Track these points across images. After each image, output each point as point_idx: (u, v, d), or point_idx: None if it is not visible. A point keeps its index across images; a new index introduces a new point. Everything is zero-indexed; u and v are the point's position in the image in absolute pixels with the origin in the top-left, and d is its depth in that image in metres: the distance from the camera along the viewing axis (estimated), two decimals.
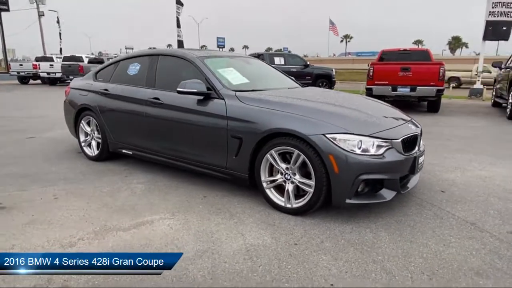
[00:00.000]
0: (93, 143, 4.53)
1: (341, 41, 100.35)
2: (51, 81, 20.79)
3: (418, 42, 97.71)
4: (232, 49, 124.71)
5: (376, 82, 9.81)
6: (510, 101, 8.60)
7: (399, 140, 2.82)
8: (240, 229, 2.69)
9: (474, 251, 2.37)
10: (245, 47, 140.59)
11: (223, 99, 3.27)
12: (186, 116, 3.46)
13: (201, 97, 3.37)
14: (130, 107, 3.95)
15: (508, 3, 13.14)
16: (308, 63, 15.31)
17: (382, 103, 3.78)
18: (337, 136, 2.67)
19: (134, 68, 4.13)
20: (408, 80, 9.53)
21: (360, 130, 2.73)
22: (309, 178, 2.81)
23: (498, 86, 11.17)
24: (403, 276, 2.09)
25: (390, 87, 9.62)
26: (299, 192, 2.95)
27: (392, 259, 2.27)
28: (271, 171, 3.06)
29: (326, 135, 2.67)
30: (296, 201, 2.89)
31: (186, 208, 3.09)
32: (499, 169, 4.28)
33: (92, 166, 4.33)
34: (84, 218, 2.88)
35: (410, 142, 2.97)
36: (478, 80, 14.19)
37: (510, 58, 11.03)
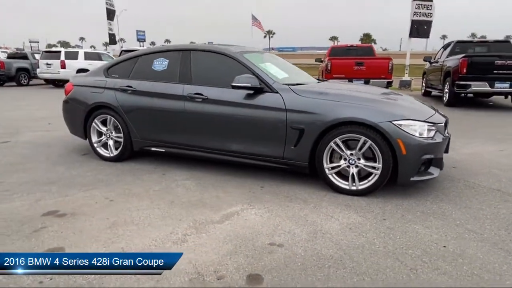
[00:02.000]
0: (110, 143, 4.30)
1: (265, 36, 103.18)
2: None
3: (333, 38, 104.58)
4: (153, 43, 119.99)
5: (333, 75, 10.58)
6: (446, 90, 9.97)
7: (443, 124, 3.30)
8: (324, 211, 2.93)
9: None
10: (167, 41, 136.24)
11: (277, 92, 3.43)
12: (237, 110, 3.54)
13: (251, 91, 3.49)
14: (164, 103, 3.87)
15: (428, 5, 15.04)
16: None
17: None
18: (402, 122, 3.04)
19: (160, 64, 4.03)
20: (362, 73, 10.48)
21: (416, 117, 3.15)
22: (371, 161, 3.15)
23: (428, 77, 12.81)
24: (488, 233, 2.54)
25: (347, 80, 10.46)
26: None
27: (468, 222, 2.72)
28: (331, 158, 3.33)
29: (393, 122, 3.03)
30: (361, 183, 3.21)
31: (256, 198, 3.21)
32: (477, 147, 5.10)
33: (116, 167, 4.13)
34: (166, 216, 2.85)
35: (444, 126, 3.47)
36: (406, 73, 16.01)
37: (438, 53, 12.70)
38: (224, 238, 2.48)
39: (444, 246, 2.37)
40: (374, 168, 3.14)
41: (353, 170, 3.21)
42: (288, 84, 3.53)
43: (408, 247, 2.36)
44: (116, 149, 4.29)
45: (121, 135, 4.19)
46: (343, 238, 2.48)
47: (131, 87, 4.06)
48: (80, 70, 16.48)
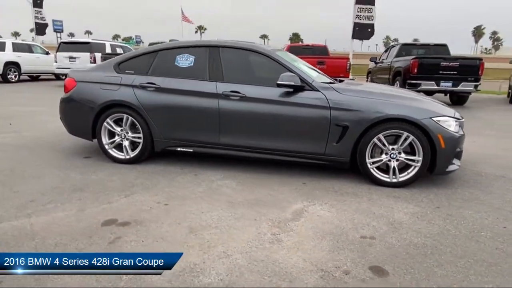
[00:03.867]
0: (126, 144, 4.00)
1: (196, 32, 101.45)
2: None
3: (264, 36, 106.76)
4: (72, 34, 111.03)
5: None
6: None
7: (463, 120, 3.70)
8: (381, 204, 3.11)
9: None
10: (88, 32, 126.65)
11: (318, 91, 3.53)
12: (279, 108, 3.56)
13: (291, 90, 3.54)
14: (195, 101, 3.72)
15: (369, 9, 16.26)
16: None
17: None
18: (440, 118, 3.36)
19: (185, 60, 3.86)
20: (323, 72, 10.96)
21: (447, 113, 3.49)
22: (409, 155, 3.42)
23: (374, 76, 13.92)
24: None
25: None
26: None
27: (504, 205, 3.11)
28: (371, 153, 3.53)
29: (433, 119, 3.33)
30: (400, 176, 3.47)
31: (309, 194, 3.28)
32: None
33: (137, 169, 3.86)
34: (238, 217, 2.79)
35: None
36: (349, 72, 17.11)
37: (383, 54, 13.83)
38: (314, 235, 2.53)
39: (504, 227, 2.70)
40: (413, 161, 3.41)
41: (394, 164, 3.45)
42: (327, 83, 3.65)
43: (477, 230, 2.65)
44: (132, 150, 4.01)
45: (140, 135, 3.92)
46: (419, 227, 2.69)
47: (154, 84, 3.82)
48: (8, 63, 14.74)
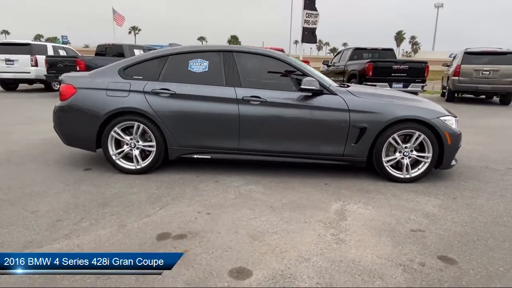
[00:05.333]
0: (136, 153, 3.79)
1: (129, 32, 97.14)
2: None
3: (201, 38, 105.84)
4: None
5: None
6: None
7: (458, 118, 4.12)
8: (406, 198, 3.35)
9: None
10: (5, 32, 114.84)
11: (336, 94, 3.69)
12: (299, 112, 3.65)
13: (310, 94, 3.66)
14: (214, 107, 3.66)
15: (316, 14, 17.01)
16: None
17: None
18: (446, 118, 3.70)
19: (199, 65, 3.77)
20: None
21: (449, 113, 3.86)
22: (419, 152, 3.73)
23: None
24: None
25: None
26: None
27: (504, 192, 3.53)
28: (386, 152, 3.77)
29: (440, 118, 3.66)
30: (412, 171, 3.75)
31: (339, 194, 3.41)
32: None
33: (152, 179, 3.68)
34: (287, 221, 2.82)
35: None
36: None
37: (334, 57, 14.57)
38: (370, 232, 2.66)
39: None
40: (423, 157, 3.71)
41: (407, 161, 3.73)
42: (343, 87, 3.82)
43: (499, 216, 2.99)
44: (143, 159, 3.81)
45: (153, 143, 3.75)
46: (452, 217, 2.95)
47: (168, 90, 3.68)
48: None
